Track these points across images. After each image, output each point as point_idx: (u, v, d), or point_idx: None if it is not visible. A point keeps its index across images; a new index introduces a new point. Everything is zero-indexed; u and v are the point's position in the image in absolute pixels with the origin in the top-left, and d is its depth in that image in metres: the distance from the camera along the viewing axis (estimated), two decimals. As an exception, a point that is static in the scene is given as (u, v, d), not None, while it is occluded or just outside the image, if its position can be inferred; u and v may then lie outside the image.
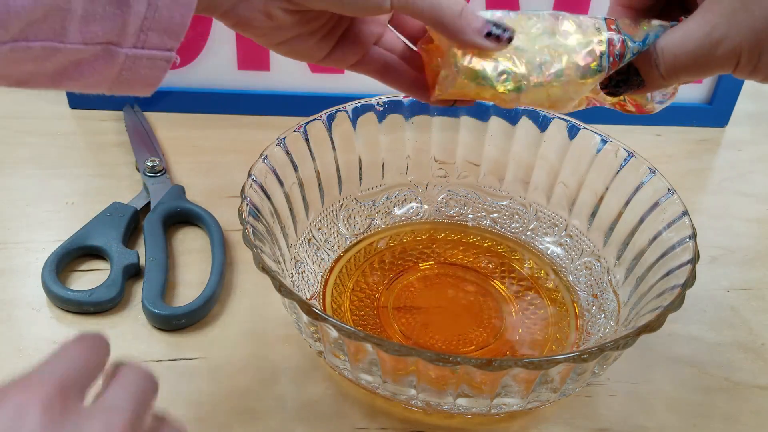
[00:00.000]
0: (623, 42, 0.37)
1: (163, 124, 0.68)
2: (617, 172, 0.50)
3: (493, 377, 0.36)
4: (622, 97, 0.40)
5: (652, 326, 0.37)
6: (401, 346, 0.34)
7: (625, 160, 0.50)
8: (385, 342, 0.35)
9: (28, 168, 0.62)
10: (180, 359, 0.45)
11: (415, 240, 0.55)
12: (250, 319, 0.48)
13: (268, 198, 0.46)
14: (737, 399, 0.45)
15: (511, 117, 0.54)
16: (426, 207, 0.57)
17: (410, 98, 0.54)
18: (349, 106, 0.52)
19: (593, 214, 0.52)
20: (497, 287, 0.51)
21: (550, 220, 0.55)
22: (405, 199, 0.57)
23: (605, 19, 0.38)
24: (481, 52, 0.37)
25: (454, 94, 0.39)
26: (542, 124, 0.54)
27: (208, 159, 0.64)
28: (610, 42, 0.37)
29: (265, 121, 0.70)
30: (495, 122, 0.55)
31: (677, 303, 0.38)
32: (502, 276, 0.52)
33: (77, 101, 0.69)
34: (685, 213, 0.45)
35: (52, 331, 0.46)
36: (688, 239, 0.43)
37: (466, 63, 0.37)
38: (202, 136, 0.67)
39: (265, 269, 0.38)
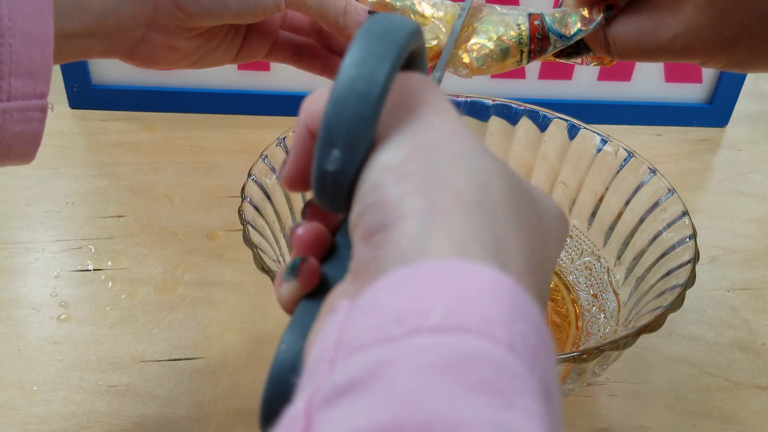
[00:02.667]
0: (545, 37, 0.38)
1: (164, 124, 0.68)
2: (617, 172, 0.50)
3: (493, 377, 0.36)
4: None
5: (652, 326, 0.37)
6: (401, 346, 0.34)
7: (625, 160, 0.50)
8: (385, 342, 0.34)
9: (28, 168, 0.61)
10: (180, 359, 0.45)
11: (415, 240, 0.55)
12: (250, 319, 0.48)
13: (268, 198, 0.46)
14: (737, 399, 0.45)
15: (511, 117, 0.54)
16: (426, 207, 0.57)
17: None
18: (349, 106, 0.52)
19: (593, 214, 0.52)
20: (497, 287, 0.51)
21: (550, 220, 0.55)
22: (405, 199, 0.57)
23: (529, 15, 0.38)
24: None
25: None
26: (542, 124, 0.53)
27: (208, 159, 0.64)
28: (532, 37, 0.38)
29: (265, 121, 0.70)
30: (495, 122, 0.55)
31: (677, 303, 0.38)
32: (502, 276, 0.52)
33: (77, 101, 0.69)
34: (685, 213, 0.45)
35: (52, 331, 0.46)
36: (688, 239, 0.43)
37: None
38: (202, 136, 0.67)
39: (265, 269, 0.38)
